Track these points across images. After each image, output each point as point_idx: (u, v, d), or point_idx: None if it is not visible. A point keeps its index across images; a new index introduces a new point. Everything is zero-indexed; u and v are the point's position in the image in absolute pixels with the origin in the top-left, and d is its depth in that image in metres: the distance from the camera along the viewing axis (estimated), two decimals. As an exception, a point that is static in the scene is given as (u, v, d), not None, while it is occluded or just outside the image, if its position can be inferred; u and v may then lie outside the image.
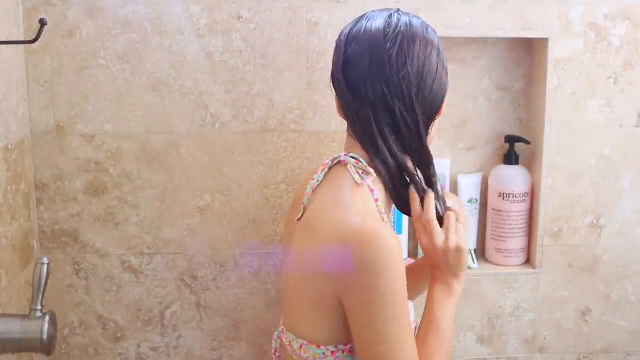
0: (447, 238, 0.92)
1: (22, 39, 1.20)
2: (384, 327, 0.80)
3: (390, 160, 0.89)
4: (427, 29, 0.90)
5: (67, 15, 1.22)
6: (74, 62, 1.24)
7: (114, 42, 1.24)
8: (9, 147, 1.14)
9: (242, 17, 1.25)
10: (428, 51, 0.88)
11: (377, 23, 0.89)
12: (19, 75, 1.20)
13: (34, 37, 1.00)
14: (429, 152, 0.91)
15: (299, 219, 0.93)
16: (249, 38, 1.26)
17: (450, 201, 0.96)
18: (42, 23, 0.98)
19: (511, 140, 1.34)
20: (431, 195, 0.92)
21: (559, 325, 1.41)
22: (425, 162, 0.91)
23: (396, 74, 0.86)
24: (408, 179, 0.91)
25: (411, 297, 1.05)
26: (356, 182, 0.88)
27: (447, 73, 0.91)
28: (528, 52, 1.34)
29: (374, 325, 0.80)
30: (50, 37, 1.22)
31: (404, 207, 0.93)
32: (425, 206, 0.92)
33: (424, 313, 0.93)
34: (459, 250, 0.92)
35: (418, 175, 0.92)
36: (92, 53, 1.24)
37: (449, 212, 0.93)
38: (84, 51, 1.24)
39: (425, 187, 0.92)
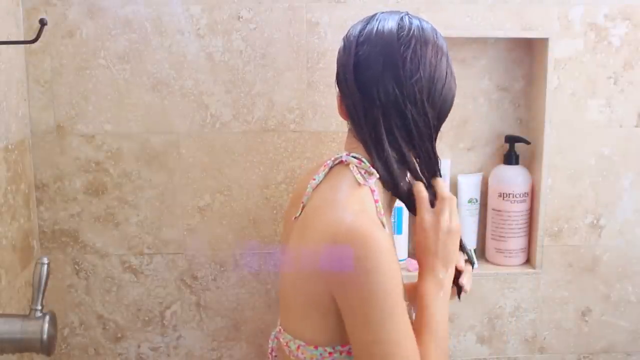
0: (450, 219, 0.90)
1: (22, 39, 1.20)
2: (377, 326, 0.79)
3: (394, 164, 0.88)
4: (436, 34, 0.90)
5: (67, 15, 1.22)
6: (74, 62, 1.24)
7: (114, 42, 1.24)
8: (9, 147, 1.14)
9: (242, 17, 1.25)
10: (439, 56, 0.89)
11: (389, 25, 0.88)
12: (19, 75, 1.20)
13: (34, 37, 1.00)
14: (437, 155, 0.91)
15: (296, 218, 0.93)
16: (249, 38, 1.26)
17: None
18: (42, 23, 0.98)
19: (511, 140, 1.34)
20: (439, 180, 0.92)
21: (559, 325, 1.41)
22: (434, 163, 0.91)
23: (409, 78, 0.86)
24: (412, 178, 0.91)
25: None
26: (358, 183, 0.87)
27: (454, 78, 0.92)
28: (528, 52, 1.34)
29: (367, 325, 0.79)
30: (50, 37, 1.22)
31: (409, 204, 0.91)
32: (439, 187, 0.91)
33: (416, 311, 0.91)
34: (454, 233, 0.90)
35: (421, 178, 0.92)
36: (92, 53, 1.24)
37: (452, 196, 0.92)
38: (84, 51, 1.24)
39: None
